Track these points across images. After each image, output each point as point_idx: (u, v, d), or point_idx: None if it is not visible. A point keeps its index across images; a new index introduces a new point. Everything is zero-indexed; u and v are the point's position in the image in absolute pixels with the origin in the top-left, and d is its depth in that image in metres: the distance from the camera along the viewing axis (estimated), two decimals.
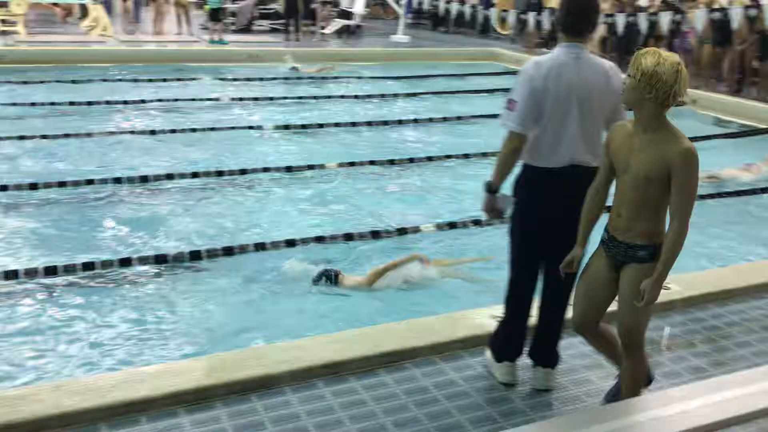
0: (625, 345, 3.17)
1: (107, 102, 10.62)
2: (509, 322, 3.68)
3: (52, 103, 10.26)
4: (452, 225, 6.45)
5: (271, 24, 20.32)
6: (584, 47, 3.36)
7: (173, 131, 9.24)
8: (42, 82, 11.67)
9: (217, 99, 11.29)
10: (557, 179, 3.35)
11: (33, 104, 10.20)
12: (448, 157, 8.61)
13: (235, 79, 13.05)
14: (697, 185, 2.91)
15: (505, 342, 3.72)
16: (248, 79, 13.09)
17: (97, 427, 3.22)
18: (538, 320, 3.67)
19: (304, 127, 9.91)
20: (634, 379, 3.25)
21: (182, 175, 7.41)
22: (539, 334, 3.69)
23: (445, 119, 10.67)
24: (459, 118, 10.75)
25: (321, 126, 9.99)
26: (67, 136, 8.56)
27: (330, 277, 5.27)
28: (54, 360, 4.21)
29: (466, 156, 8.59)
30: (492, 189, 3.45)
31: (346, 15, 19.80)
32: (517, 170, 3.48)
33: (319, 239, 5.94)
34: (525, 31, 18.26)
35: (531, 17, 16.83)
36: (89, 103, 10.45)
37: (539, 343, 3.71)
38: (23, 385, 3.66)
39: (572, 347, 4.03)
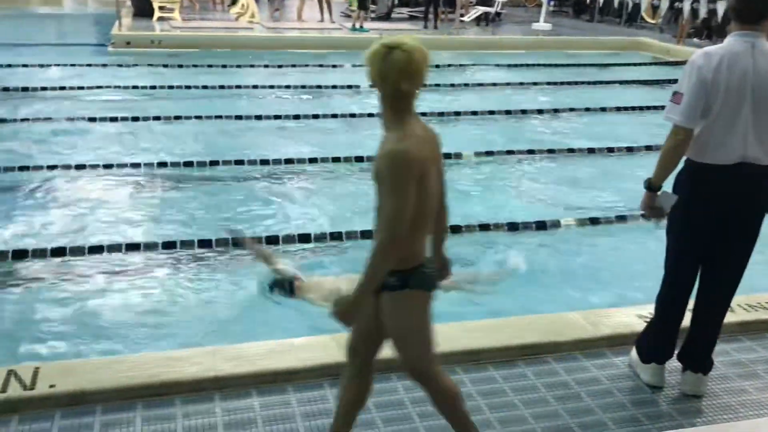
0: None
1: (254, 86, 11.11)
2: (660, 323, 3.53)
3: (204, 87, 10.85)
4: (594, 221, 6.24)
5: (409, 11, 20.45)
6: (761, 35, 3.13)
7: (315, 116, 9.52)
8: (195, 65, 12.37)
9: (357, 86, 11.51)
10: (724, 177, 3.16)
11: (188, 87, 10.83)
12: (591, 150, 8.34)
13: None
14: (403, 194, 2.44)
15: (654, 343, 3.57)
16: None
17: (248, 392, 3.40)
18: (692, 323, 3.49)
19: (441, 114, 9.92)
20: (441, 401, 2.79)
21: (324, 159, 7.63)
22: (693, 338, 3.51)
23: (587, 110, 10.34)
24: (603, 109, 10.37)
25: (458, 114, 9.96)
26: (218, 117, 9.05)
27: (282, 286, 4.74)
28: (206, 327, 4.48)
29: (610, 150, 8.28)
30: (653, 186, 3.29)
31: (487, 2, 19.57)
32: (680, 166, 3.31)
33: (455, 229, 5.93)
34: (678, 20, 17.31)
35: (686, 5, 15.92)
36: (237, 87, 10.97)
37: (692, 346, 3.52)
38: (181, 348, 3.90)
39: (724, 354, 3.81)
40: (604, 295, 4.93)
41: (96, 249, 5.38)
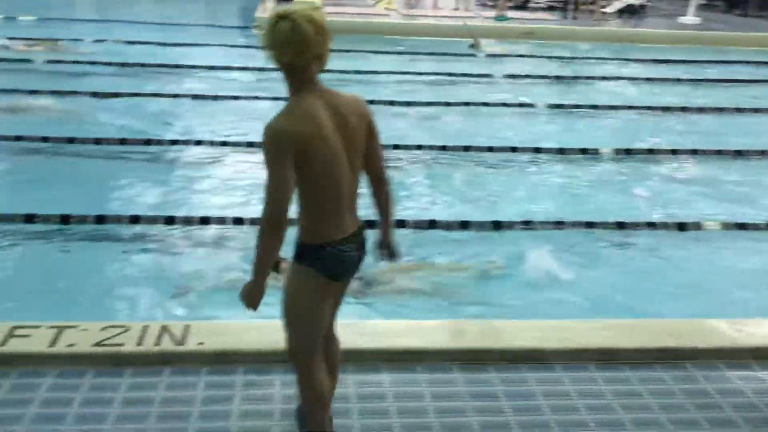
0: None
1: (388, 72, 11.25)
2: None
3: (341, 71, 11.10)
4: (742, 226, 5.89)
5: (548, 1, 19.96)
6: None
7: (447, 104, 9.52)
8: (331, 50, 12.65)
9: (490, 75, 11.41)
10: None
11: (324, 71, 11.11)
12: (738, 152, 7.84)
13: (506, 56, 13.08)
14: (273, 174, 2.39)
15: None
16: (521, 56, 13.05)
17: (378, 367, 3.49)
18: None
19: (577, 107, 9.65)
20: (303, 395, 2.77)
21: (454, 148, 7.63)
22: None
23: (738, 110, 9.72)
24: (756, 110, 9.72)
25: (594, 107, 9.65)
26: None
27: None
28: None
29: (762, 153, 7.77)
30: None
31: None
32: None
33: (589, 225, 5.78)
34: None
35: None
36: (374, 73, 11.15)
37: None
38: None
39: None
40: (751, 304, 4.67)
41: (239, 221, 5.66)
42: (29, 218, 5.37)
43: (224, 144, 7.46)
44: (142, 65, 10.72)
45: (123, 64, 10.62)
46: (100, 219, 5.48)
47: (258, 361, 3.47)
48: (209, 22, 15.66)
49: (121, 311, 4.34)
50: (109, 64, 10.61)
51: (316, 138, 2.41)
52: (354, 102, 2.57)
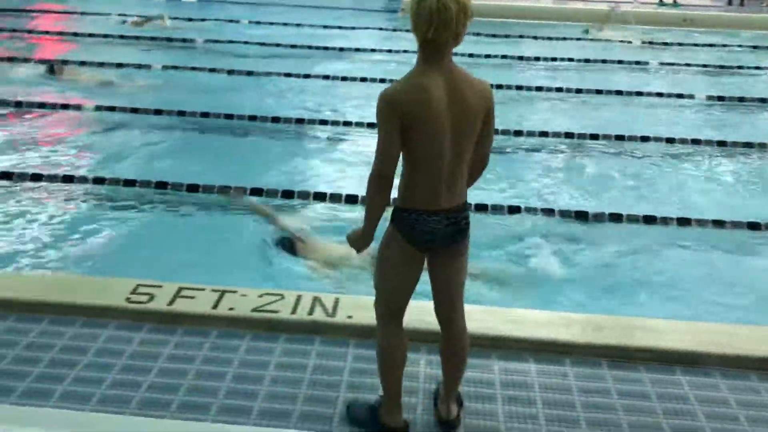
0: None
1: (536, 58, 11.01)
2: None
3: (487, 56, 10.99)
4: None
5: None
6: None
7: (599, 92, 9.19)
8: (478, 34, 12.54)
9: (645, 63, 10.89)
10: None
11: (470, 55, 11.04)
12: None
13: (665, 44, 12.42)
14: (381, 135, 2.52)
15: None
16: (680, 44, 12.36)
17: (524, 357, 3.45)
18: None
19: (741, 100, 9.02)
20: (379, 353, 2.89)
21: (606, 137, 7.37)
22: None
23: None
24: None
25: (764, 101, 8.99)
26: (499, 87, 9.13)
27: (284, 245, 4.91)
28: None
29: None
30: None
31: None
32: None
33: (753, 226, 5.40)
34: None
35: None
36: (520, 58, 10.95)
37: None
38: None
39: None
40: None
41: None
42: (191, 188, 5.75)
43: (371, 126, 7.62)
44: (293, 46, 11.11)
45: (277, 45, 11.06)
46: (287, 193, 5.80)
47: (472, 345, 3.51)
48: (357, 6, 15.99)
49: (274, 279, 4.54)
50: (263, 44, 11.08)
51: (423, 109, 2.49)
52: (480, 86, 2.60)
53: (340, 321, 3.59)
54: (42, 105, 7.80)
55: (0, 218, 5.32)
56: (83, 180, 5.89)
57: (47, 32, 11.61)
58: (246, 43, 11.04)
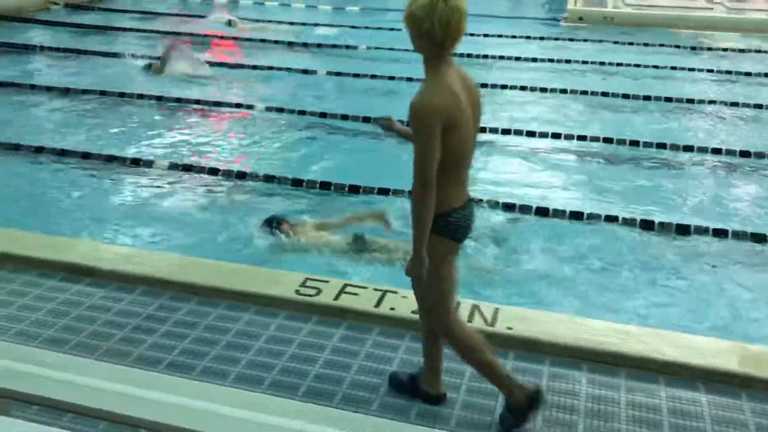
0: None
1: (708, 70, 10.41)
2: None
3: (655, 66, 10.49)
4: None
5: None
6: None
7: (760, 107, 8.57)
8: (646, 44, 12.02)
9: None
10: None
11: (637, 66, 10.60)
12: None
13: None
14: (427, 142, 2.57)
15: None
16: None
17: (695, 384, 3.29)
18: None
19: None
20: (461, 350, 2.97)
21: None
22: None
23: None
24: None
25: None
26: (646, 98, 8.74)
27: (272, 225, 4.98)
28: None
29: None
30: None
31: None
32: None
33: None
34: None
35: None
36: (690, 69, 10.39)
37: None
38: (629, 324, 3.90)
39: None
40: None
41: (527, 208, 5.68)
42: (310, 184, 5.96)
43: (531, 134, 7.53)
44: (452, 55, 11.18)
45: None
46: None
47: (565, 354, 3.47)
48: (515, 14, 15.84)
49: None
50: (399, 50, 11.21)
51: (457, 110, 2.63)
52: (473, 81, 2.80)
53: (499, 331, 3.58)
54: (218, 104, 8.38)
55: (192, 209, 5.75)
56: (254, 177, 6.24)
57: (215, 36, 12.43)
58: (406, 50, 11.21)
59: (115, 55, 10.61)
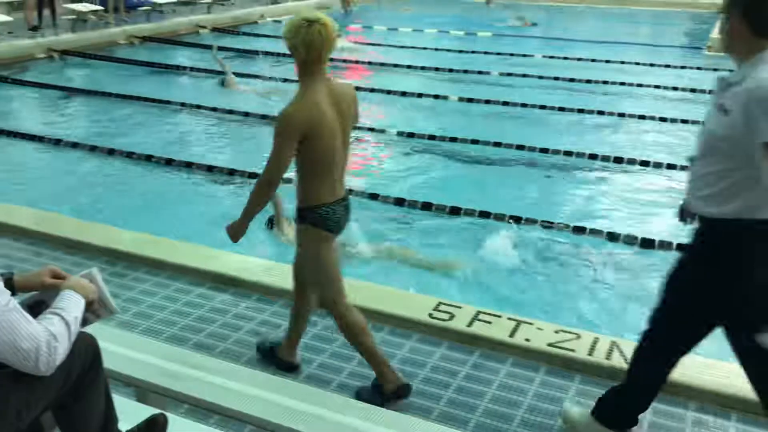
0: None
1: None
2: None
3: None
4: None
5: None
6: None
7: None
8: None
9: None
10: None
11: None
12: None
13: None
14: (279, 150, 2.99)
15: None
16: None
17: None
18: None
19: None
20: (347, 333, 3.33)
21: None
22: None
23: None
24: None
25: None
26: None
27: (268, 224, 5.54)
28: None
29: None
30: None
31: None
32: None
33: None
34: None
35: None
36: None
37: None
38: None
39: None
40: None
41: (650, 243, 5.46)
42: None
43: (671, 167, 7.25)
44: (587, 81, 10.98)
45: (570, 80, 11.01)
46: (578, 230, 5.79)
47: (711, 401, 3.30)
48: (656, 42, 15.34)
49: (568, 318, 4.50)
50: (556, 78, 11.09)
51: (319, 122, 3.01)
52: (348, 89, 3.20)
53: None
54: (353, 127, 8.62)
55: None
56: (385, 199, 6.35)
57: (358, 62, 12.81)
58: (540, 77, 11.14)
59: (256, 77, 11.19)
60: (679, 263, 2.73)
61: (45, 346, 1.83)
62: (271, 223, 5.57)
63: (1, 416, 1.85)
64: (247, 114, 9.10)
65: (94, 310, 2.14)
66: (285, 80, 10.93)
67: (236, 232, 3.25)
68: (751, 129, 2.27)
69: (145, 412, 2.64)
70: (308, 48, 2.98)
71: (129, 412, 2.51)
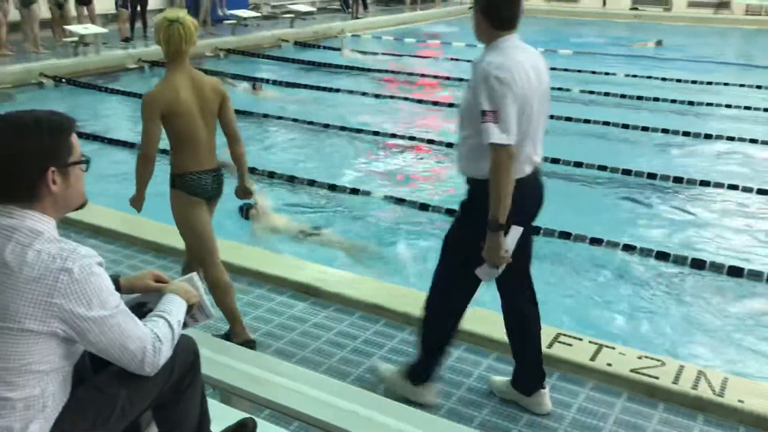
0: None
1: None
2: None
3: None
4: None
5: None
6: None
7: None
8: None
9: None
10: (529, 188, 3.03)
11: None
12: None
13: None
14: (145, 127, 3.54)
15: None
16: None
17: None
18: None
19: None
20: (213, 289, 3.77)
21: None
22: None
23: None
24: None
25: None
26: None
27: (242, 210, 6.08)
28: None
29: None
30: (502, 225, 2.89)
31: None
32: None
33: None
34: None
35: None
36: None
37: None
38: None
39: None
40: None
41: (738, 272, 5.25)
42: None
43: (762, 192, 6.97)
44: (672, 101, 10.69)
45: (654, 99, 10.74)
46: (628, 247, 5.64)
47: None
48: (746, 62, 14.82)
49: (651, 343, 4.38)
50: (639, 98, 10.83)
51: (176, 103, 3.52)
52: (212, 82, 3.72)
53: (729, 403, 3.33)
54: (431, 141, 8.66)
55: (400, 241, 6.01)
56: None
57: (436, 76, 12.86)
58: (622, 96, 10.91)
59: (336, 90, 11.38)
60: (454, 222, 3.24)
61: (150, 347, 1.91)
62: (246, 211, 6.08)
63: (109, 413, 1.94)
64: (327, 125, 9.27)
65: (193, 314, 2.23)
66: (364, 93, 11.12)
67: (136, 203, 3.77)
68: (477, 99, 2.81)
69: (230, 414, 2.72)
70: (168, 44, 3.52)
71: (215, 413, 2.58)
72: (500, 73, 2.77)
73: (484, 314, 3.97)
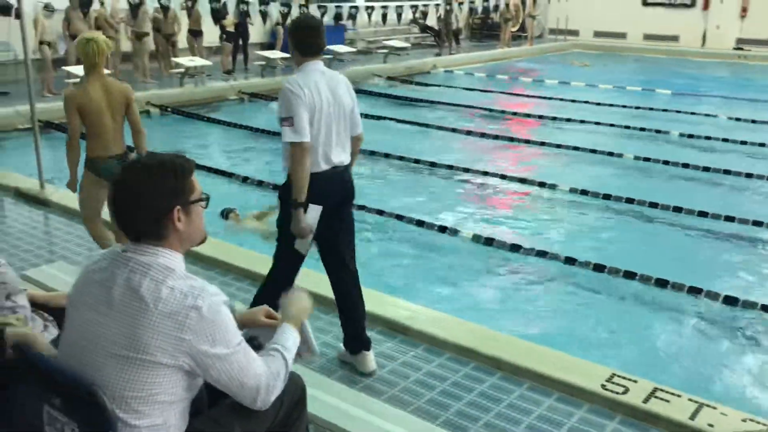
0: None
1: None
2: None
3: None
4: None
5: None
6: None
7: None
8: None
9: None
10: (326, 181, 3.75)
11: None
12: None
13: None
14: (68, 120, 4.84)
15: None
16: None
17: None
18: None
19: None
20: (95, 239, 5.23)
21: None
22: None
23: None
24: None
25: None
26: None
27: (223, 213, 6.91)
28: None
29: None
30: (301, 204, 3.63)
31: None
32: None
33: None
34: None
35: None
36: None
37: None
38: None
39: None
40: None
41: None
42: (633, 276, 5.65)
43: None
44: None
45: (761, 144, 10.31)
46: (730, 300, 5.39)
47: None
48: None
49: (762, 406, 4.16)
50: (744, 143, 10.43)
51: (88, 103, 4.74)
52: (120, 85, 4.96)
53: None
54: (523, 180, 8.59)
55: (490, 280, 5.98)
56: (555, 257, 6.22)
57: (528, 114, 12.78)
58: (725, 140, 10.52)
59: (426, 125, 11.49)
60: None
61: (264, 385, 2.00)
62: (226, 214, 6.82)
63: None
64: (417, 161, 9.35)
65: (299, 351, 2.29)
66: (454, 130, 11.17)
67: (71, 185, 5.05)
68: (279, 109, 3.65)
69: None
70: (85, 57, 4.73)
71: None
72: (294, 89, 3.57)
73: (491, 334, 3.97)
